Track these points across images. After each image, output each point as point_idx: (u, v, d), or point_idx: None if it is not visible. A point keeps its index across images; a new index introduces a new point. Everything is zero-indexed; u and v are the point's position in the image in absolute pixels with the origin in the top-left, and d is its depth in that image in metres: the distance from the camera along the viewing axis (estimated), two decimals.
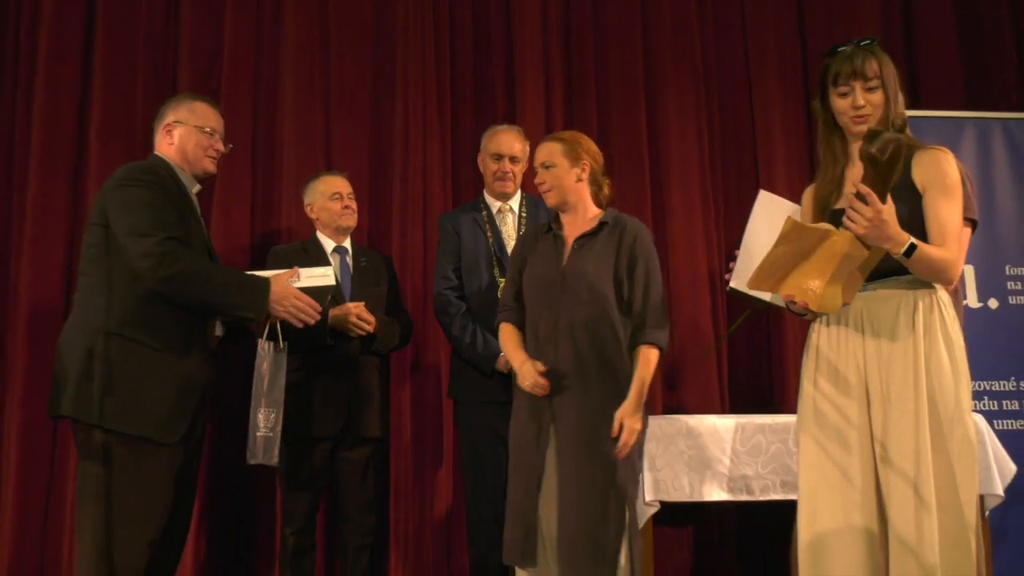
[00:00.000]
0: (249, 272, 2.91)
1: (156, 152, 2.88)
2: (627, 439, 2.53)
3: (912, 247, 2.07)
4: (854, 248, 2.08)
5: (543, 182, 2.76)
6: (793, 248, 2.13)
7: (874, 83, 2.21)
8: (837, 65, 2.25)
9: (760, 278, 2.19)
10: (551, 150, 2.76)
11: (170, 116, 2.87)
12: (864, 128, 2.18)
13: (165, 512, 2.58)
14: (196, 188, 2.88)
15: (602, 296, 2.63)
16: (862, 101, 2.22)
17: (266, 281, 2.71)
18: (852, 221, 2.05)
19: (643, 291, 2.65)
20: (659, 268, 2.72)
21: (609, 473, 2.54)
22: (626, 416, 2.55)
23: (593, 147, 2.81)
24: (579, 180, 2.74)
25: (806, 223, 2.24)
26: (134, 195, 2.66)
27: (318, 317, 2.77)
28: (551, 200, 2.78)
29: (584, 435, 2.57)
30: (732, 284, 2.94)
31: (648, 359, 2.62)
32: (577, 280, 2.66)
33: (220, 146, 2.92)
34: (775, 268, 2.16)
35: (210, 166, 2.89)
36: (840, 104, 2.26)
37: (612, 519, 2.52)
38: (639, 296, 2.64)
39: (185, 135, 2.84)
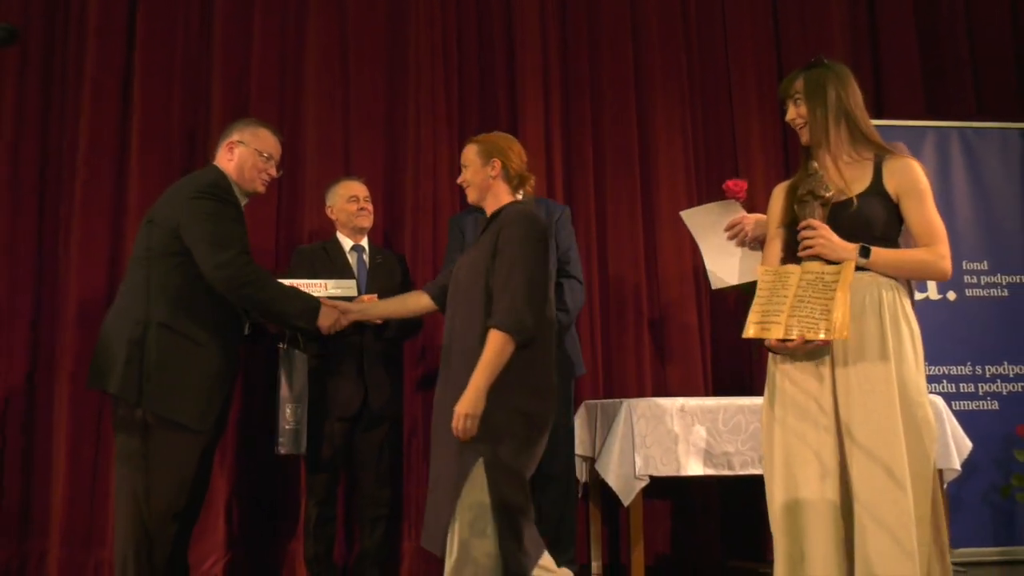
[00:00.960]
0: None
1: (215, 163, 2.97)
2: (455, 424, 2.42)
3: (865, 249, 2.23)
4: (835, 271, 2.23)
5: (463, 180, 2.78)
6: (772, 291, 2.27)
7: (798, 97, 2.39)
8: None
9: (762, 326, 2.24)
10: (467, 151, 2.76)
11: (236, 135, 2.96)
12: (804, 137, 2.41)
13: (189, 483, 2.69)
14: (244, 202, 2.98)
15: (471, 291, 2.59)
16: (791, 115, 2.43)
17: (318, 301, 2.93)
18: (809, 246, 2.24)
19: (499, 277, 2.51)
20: (525, 253, 2.52)
21: (451, 461, 2.48)
22: (459, 402, 2.43)
23: (510, 146, 2.75)
24: (491, 177, 2.71)
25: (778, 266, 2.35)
26: (210, 207, 2.77)
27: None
28: (470, 196, 2.78)
29: (440, 422, 2.55)
30: (714, 287, 3.14)
31: (490, 342, 2.45)
32: (462, 275, 2.67)
33: (273, 171, 3.01)
34: (768, 311, 2.24)
35: (260, 187, 2.99)
36: None
37: (447, 501, 2.45)
38: (495, 283, 2.51)
39: (245, 155, 2.93)
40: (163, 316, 2.70)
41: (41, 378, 4.06)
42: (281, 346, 3.15)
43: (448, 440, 2.47)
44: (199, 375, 2.71)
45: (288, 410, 3.08)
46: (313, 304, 2.92)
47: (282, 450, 3.10)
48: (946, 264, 2.26)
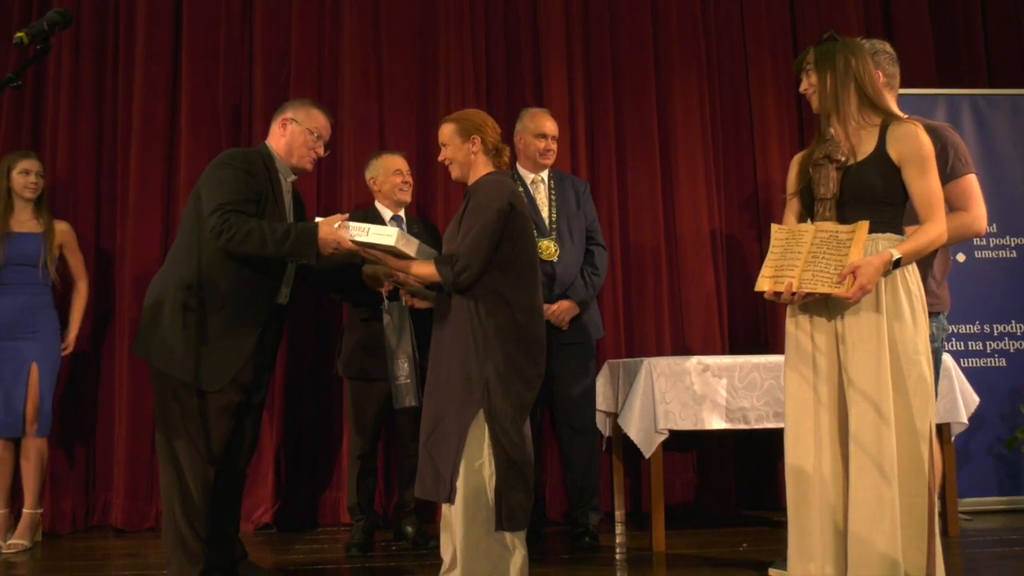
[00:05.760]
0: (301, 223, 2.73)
1: (267, 141, 2.85)
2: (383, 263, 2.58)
3: (897, 261, 2.13)
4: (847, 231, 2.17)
5: (445, 158, 2.68)
6: (785, 247, 2.23)
7: (809, 68, 2.33)
8: None
9: (775, 279, 2.22)
10: (445, 131, 2.67)
11: (290, 112, 2.84)
12: (814, 104, 2.33)
13: (219, 438, 2.57)
14: (291, 178, 2.83)
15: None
16: (803, 86, 2.37)
17: (315, 227, 2.59)
18: (863, 288, 2.10)
19: (462, 238, 2.51)
20: (483, 218, 2.47)
21: (449, 414, 2.47)
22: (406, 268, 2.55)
23: (486, 122, 2.66)
24: (472, 153, 2.63)
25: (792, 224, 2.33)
26: (221, 176, 2.63)
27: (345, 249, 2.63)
28: (453, 173, 2.69)
29: (433, 384, 2.54)
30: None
31: (427, 265, 2.52)
32: (445, 245, 2.64)
33: (321, 150, 2.87)
34: (782, 265, 2.21)
35: (308, 165, 2.85)
36: None
37: (450, 453, 2.44)
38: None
39: (296, 133, 2.81)
40: (191, 280, 2.57)
41: (103, 342, 4.04)
42: (385, 304, 2.94)
43: (445, 395, 2.48)
44: (210, 339, 2.55)
45: (397, 367, 2.89)
46: (308, 233, 2.57)
47: (396, 405, 2.91)
48: (945, 232, 2.22)
